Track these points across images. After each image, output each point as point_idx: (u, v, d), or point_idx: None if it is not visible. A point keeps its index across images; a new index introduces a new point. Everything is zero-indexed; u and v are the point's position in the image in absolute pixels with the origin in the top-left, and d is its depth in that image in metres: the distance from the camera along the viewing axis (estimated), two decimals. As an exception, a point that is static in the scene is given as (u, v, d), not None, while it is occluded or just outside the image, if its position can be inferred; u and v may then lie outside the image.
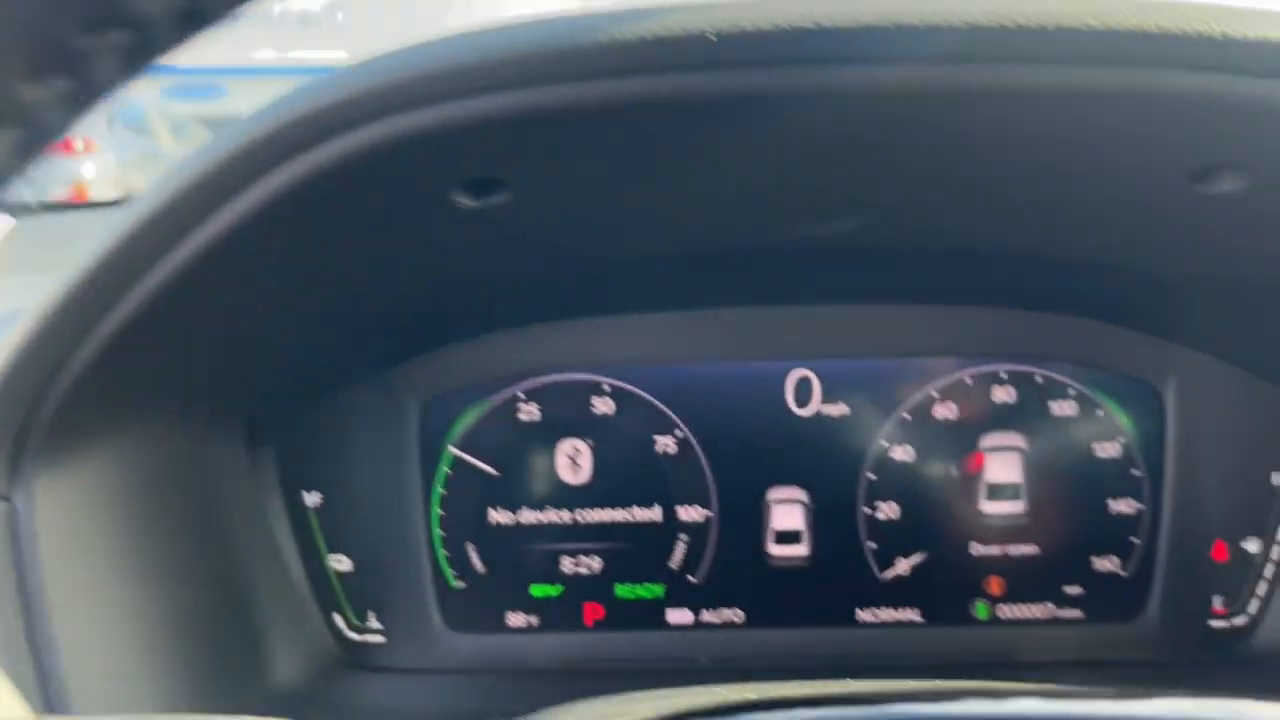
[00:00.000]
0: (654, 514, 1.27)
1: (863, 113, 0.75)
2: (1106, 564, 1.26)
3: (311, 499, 1.25)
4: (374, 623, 1.26)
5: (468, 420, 1.27)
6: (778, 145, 0.78)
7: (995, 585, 1.27)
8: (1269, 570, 1.24)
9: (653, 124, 0.77)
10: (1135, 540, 1.26)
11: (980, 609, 1.27)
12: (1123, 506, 1.26)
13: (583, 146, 0.80)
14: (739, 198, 0.88)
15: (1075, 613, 1.27)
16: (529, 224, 0.91)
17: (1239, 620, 1.25)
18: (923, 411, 1.26)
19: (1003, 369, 1.26)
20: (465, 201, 0.86)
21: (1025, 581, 1.27)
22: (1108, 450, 1.26)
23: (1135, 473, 1.26)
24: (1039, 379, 1.26)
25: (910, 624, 1.27)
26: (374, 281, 0.99)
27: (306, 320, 1.05)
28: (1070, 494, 1.26)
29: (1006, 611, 1.27)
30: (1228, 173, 0.84)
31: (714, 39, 0.71)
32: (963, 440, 1.26)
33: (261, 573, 1.16)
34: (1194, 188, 0.86)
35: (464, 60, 0.75)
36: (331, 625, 1.25)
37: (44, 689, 0.87)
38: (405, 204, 0.87)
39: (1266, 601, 1.24)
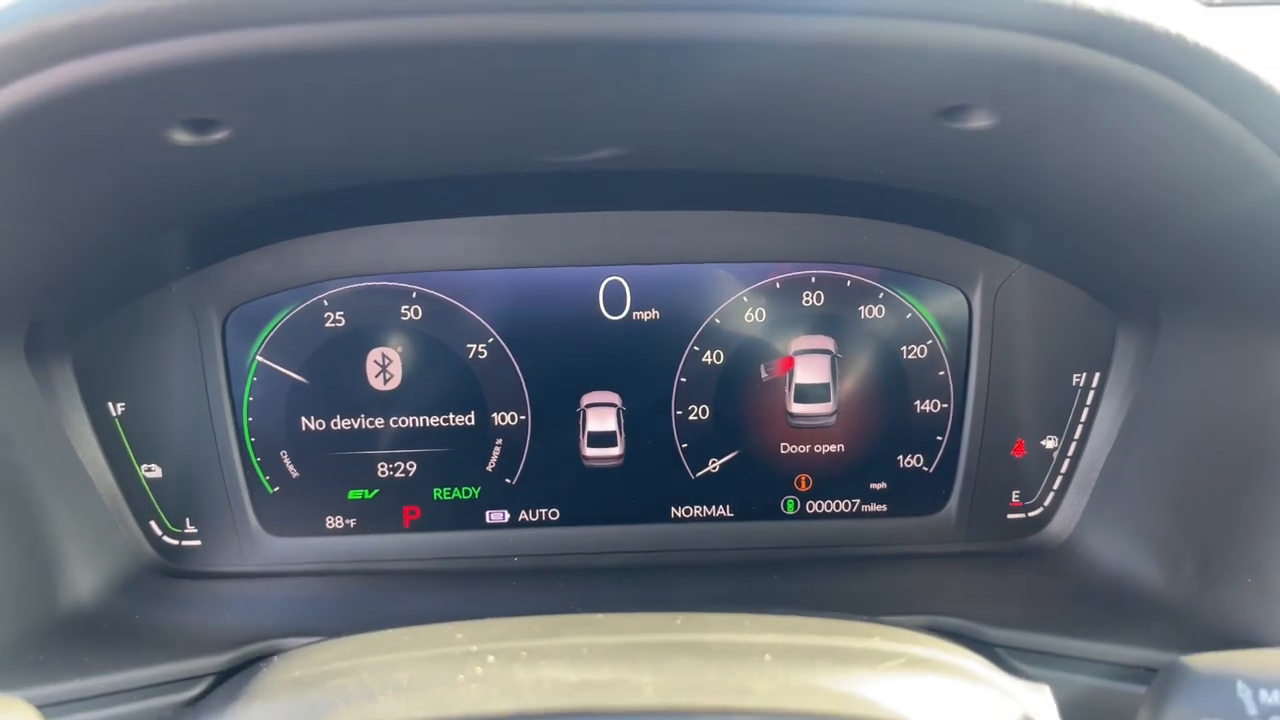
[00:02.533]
0: (468, 419, 1.28)
1: (578, 59, 0.71)
2: (911, 461, 1.30)
3: (116, 409, 1.23)
4: (190, 528, 1.27)
5: (273, 328, 1.24)
6: (486, 89, 0.74)
7: (803, 482, 1.30)
8: (1064, 466, 1.28)
9: (349, 69, 0.72)
10: (939, 439, 1.29)
11: (789, 504, 1.31)
12: (928, 406, 1.28)
13: (288, 91, 0.75)
14: (474, 133, 0.84)
15: (879, 507, 1.31)
16: (260, 155, 0.86)
17: (1034, 512, 1.30)
18: (733, 316, 1.26)
19: (812, 273, 1.25)
20: (184, 139, 0.81)
21: (832, 478, 1.30)
22: (915, 352, 1.27)
23: (941, 374, 1.27)
24: (848, 283, 1.25)
25: (721, 519, 1.31)
26: (118, 205, 0.94)
27: (67, 237, 1.00)
28: (877, 394, 1.28)
29: (814, 506, 1.31)
30: (977, 112, 0.81)
31: (400, -14, 0.66)
32: (772, 343, 1.27)
33: (59, 487, 1.14)
34: (945, 124, 0.83)
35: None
36: (148, 533, 1.26)
37: None
38: (121, 141, 0.81)
39: (1061, 494, 1.29)
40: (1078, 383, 1.26)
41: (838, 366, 1.27)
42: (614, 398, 1.28)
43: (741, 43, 0.69)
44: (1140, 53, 0.69)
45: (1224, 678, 0.67)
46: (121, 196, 0.91)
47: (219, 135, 0.81)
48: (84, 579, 1.15)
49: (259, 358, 1.24)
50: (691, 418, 1.28)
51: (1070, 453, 1.27)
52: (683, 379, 1.27)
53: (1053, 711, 0.80)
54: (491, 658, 0.71)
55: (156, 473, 1.25)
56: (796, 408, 1.28)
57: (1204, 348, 1.08)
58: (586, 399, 1.28)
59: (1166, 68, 0.71)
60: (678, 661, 0.68)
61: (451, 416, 1.28)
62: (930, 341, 1.27)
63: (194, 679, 1.01)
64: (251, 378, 1.25)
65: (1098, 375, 1.25)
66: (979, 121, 0.82)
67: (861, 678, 0.68)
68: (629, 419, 1.28)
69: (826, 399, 1.28)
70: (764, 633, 0.78)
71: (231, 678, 0.95)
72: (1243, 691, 0.66)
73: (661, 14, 0.64)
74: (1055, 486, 1.29)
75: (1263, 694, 0.66)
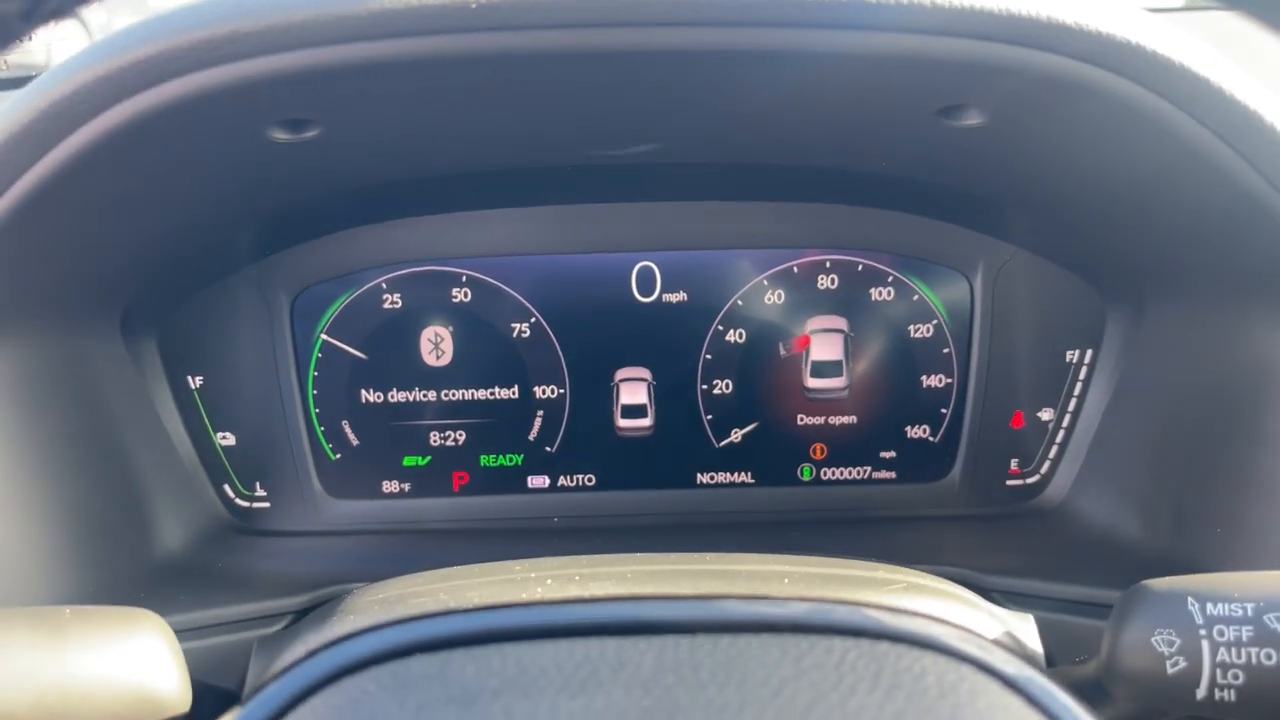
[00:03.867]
0: (512, 392, 1.40)
1: (620, 68, 0.83)
2: (918, 431, 1.41)
3: (195, 382, 1.36)
4: (260, 491, 1.40)
5: (336, 309, 1.37)
6: (549, 92, 0.86)
7: (819, 451, 1.42)
8: (1060, 436, 1.39)
9: (432, 76, 0.84)
10: (944, 411, 1.40)
11: (805, 471, 1.43)
12: (933, 381, 1.40)
13: (377, 93, 0.88)
14: (532, 129, 0.96)
15: (889, 474, 1.43)
16: (342, 150, 0.99)
17: (1032, 479, 1.41)
18: (755, 298, 1.38)
19: (827, 259, 1.37)
20: (281, 136, 0.94)
21: (845, 447, 1.42)
22: (921, 331, 1.38)
23: (945, 351, 1.39)
24: (860, 267, 1.37)
25: (743, 485, 1.43)
26: (212, 196, 1.07)
27: (162, 227, 1.13)
28: (886, 370, 1.39)
29: (828, 474, 1.43)
30: (970, 111, 0.93)
31: (474, 6, 0.78)
32: (790, 323, 1.38)
33: (148, 452, 1.28)
34: (944, 122, 0.95)
35: (263, 19, 0.81)
36: (222, 495, 1.39)
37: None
38: (228, 138, 0.94)
39: (1056, 463, 1.40)
40: (1071, 359, 1.37)
41: (850, 344, 1.39)
42: (645, 373, 1.40)
43: (771, 54, 0.81)
44: (1105, 59, 0.81)
45: (1176, 595, 0.78)
46: (220, 189, 1.04)
47: (311, 133, 0.94)
48: (172, 533, 1.27)
49: (324, 336, 1.37)
50: (716, 391, 1.40)
51: (1065, 424, 1.38)
52: (708, 356, 1.39)
53: (1034, 634, 0.92)
54: (550, 580, 0.83)
55: (231, 440, 1.38)
56: (812, 382, 1.39)
57: (1182, 326, 1.19)
58: (620, 374, 1.40)
59: (1130, 73, 0.82)
60: (710, 580, 0.80)
61: (497, 390, 1.40)
62: (935, 321, 1.38)
63: (275, 616, 1.14)
64: (316, 354, 1.37)
65: (1089, 352, 1.36)
66: (972, 120, 0.94)
67: (868, 593, 0.80)
68: (658, 392, 1.40)
69: (840, 374, 1.39)
70: (782, 564, 0.90)
71: (312, 612, 1.08)
72: (1191, 605, 0.77)
73: (704, 29, 0.76)
74: (1051, 455, 1.40)
75: (1208, 606, 0.77)
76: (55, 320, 1.14)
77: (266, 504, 1.40)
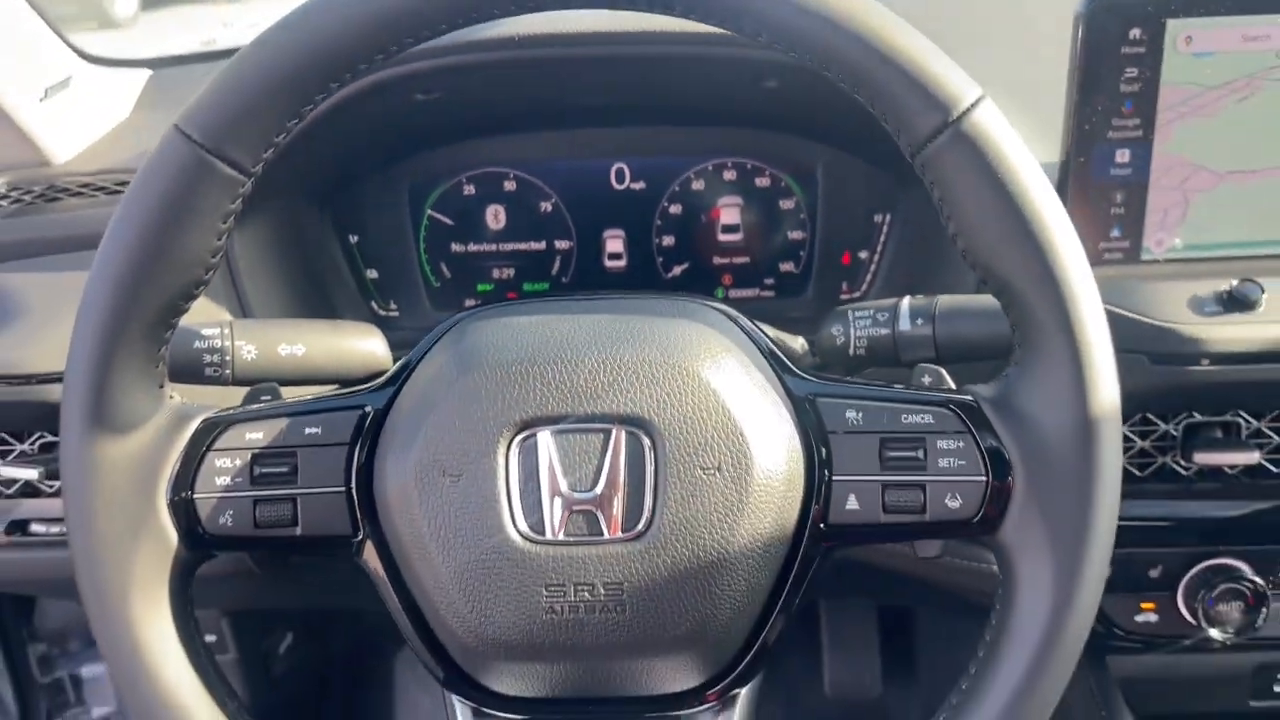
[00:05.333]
0: (541, 245, 2.29)
1: (594, 68, 1.74)
2: (786, 266, 2.29)
3: (354, 240, 2.28)
4: (392, 305, 2.33)
5: (437, 194, 2.28)
6: (560, 70, 1.77)
7: (727, 279, 2.32)
8: (873, 268, 2.28)
9: (509, 70, 1.75)
10: (802, 254, 2.29)
11: (719, 292, 2.33)
12: (795, 235, 2.26)
13: (476, 77, 1.79)
14: (553, 88, 1.88)
15: (770, 294, 2.32)
16: (450, 103, 1.90)
17: (856, 294, 2.31)
18: (686, 185, 2.26)
19: (729, 160, 2.24)
20: (420, 97, 1.86)
21: (743, 277, 2.28)
22: (786, 205, 2.25)
23: (802, 217, 2.26)
24: (749, 165, 2.23)
25: (681, 301, 2.34)
26: (375, 127, 1.99)
27: (346, 144, 2.06)
28: (766, 229, 2.27)
29: (734, 294, 2.32)
30: (771, 78, 1.82)
31: (517, 38, 1.69)
32: (707, 200, 2.27)
33: (333, 280, 2.21)
34: (762, 85, 1.84)
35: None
36: (370, 308, 2.32)
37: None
38: (396, 99, 1.86)
39: (870, 285, 2.28)
40: (878, 220, 2.22)
41: (743, 214, 2.27)
42: (621, 233, 2.26)
43: (642, 58, 1.71)
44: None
45: (843, 310, 1.66)
46: (379, 124, 1.97)
47: (436, 95, 1.85)
48: (347, 325, 2.21)
49: (429, 211, 2.26)
50: (664, 244, 2.28)
51: (875, 260, 2.26)
52: (658, 221, 2.26)
53: (801, 342, 1.83)
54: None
55: (375, 275, 2.28)
56: (722, 237, 2.27)
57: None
58: (606, 233, 2.27)
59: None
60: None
61: (531, 244, 2.27)
62: (795, 199, 2.25)
63: (414, 360, 2.09)
64: (425, 222, 2.27)
65: (889, 214, 2.20)
66: (771, 83, 1.83)
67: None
68: (629, 244, 2.28)
69: (739, 233, 2.27)
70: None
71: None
72: (849, 313, 1.66)
73: (616, 45, 1.67)
74: (867, 280, 2.28)
75: (856, 312, 1.63)
76: (292, 200, 2.08)
77: (396, 313, 2.33)
